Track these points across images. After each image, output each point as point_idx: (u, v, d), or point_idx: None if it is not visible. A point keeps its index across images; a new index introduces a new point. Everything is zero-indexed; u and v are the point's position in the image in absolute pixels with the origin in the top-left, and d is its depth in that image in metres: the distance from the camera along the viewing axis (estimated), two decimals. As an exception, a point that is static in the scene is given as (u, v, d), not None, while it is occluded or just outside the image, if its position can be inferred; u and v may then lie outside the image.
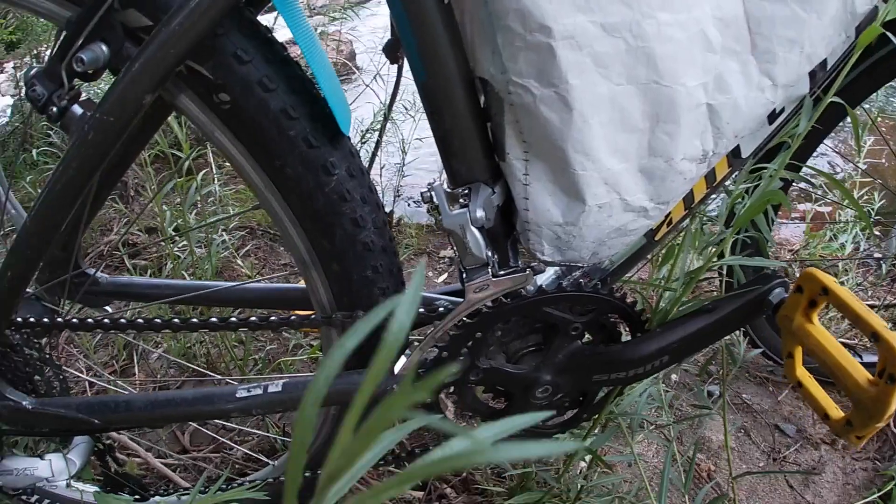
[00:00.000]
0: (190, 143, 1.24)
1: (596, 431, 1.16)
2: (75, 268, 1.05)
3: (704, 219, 1.02)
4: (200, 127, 0.81)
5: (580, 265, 0.88)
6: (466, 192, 0.82)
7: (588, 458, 1.34)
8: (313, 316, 0.86)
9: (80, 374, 1.35)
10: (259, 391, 0.89)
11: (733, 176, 0.97)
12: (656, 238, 0.95)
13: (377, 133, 1.77)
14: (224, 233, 1.62)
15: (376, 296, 0.88)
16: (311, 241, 0.84)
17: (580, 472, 1.28)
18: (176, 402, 0.90)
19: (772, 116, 0.86)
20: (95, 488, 1.05)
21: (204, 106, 0.79)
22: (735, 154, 0.92)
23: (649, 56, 0.72)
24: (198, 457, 1.29)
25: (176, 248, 1.60)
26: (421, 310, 0.86)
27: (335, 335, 0.94)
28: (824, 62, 0.82)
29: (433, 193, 0.81)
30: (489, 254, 0.82)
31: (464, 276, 0.83)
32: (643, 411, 1.15)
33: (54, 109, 0.77)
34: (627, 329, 0.93)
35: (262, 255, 1.84)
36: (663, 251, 1.05)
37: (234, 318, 0.86)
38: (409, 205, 2.19)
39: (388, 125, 1.77)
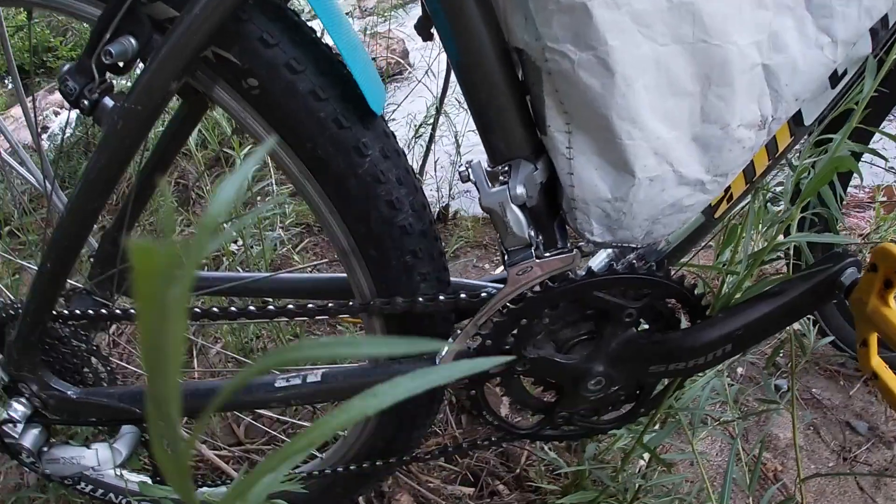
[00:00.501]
0: (240, 140, 1.22)
1: (655, 427, 1.07)
2: (124, 262, 1.03)
3: (768, 195, 0.92)
4: (234, 116, 0.78)
5: (633, 246, 0.80)
6: (507, 169, 0.75)
7: (647, 456, 1.25)
8: (351, 303, 0.81)
9: (138, 370, 1.34)
10: (298, 381, 0.84)
11: (797, 147, 0.87)
12: (716, 216, 0.85)
13: (430, 127, 1.72)
14: (280, 229, 1.59)
15: (417, 282, 0.82)
16: (348, 226, 0.79)
17: (638, 471, 1.19)
18: (215, 391, 0.87)
19: (834, 79, 0.76)
20: (142, 477, 1.03)
21: (235, 93, 0.75)
22: (797, 122, 0.82)
23: (695, 14, 0.64)
24: (250, 449, 1.26)
25: (234, 246, 1.59)
26: (462, 296, 0.79)
27: (377, 326, 0.89)
28: (885, 19, 0.72)
29: (471, 171, 0.75)
30: (532, 234, 0.74)
31: (506, 258, 0.76)
32: (706, 406, 1.05)
33: (86, 102, 0.75)
34: (686, 316, 0.84)
35: (319, 252, 1.82)
36: (724, 233, 0.96)
37: (271, 307, 0.82)
38: (467, 197, 2.09)
39: (442, 119, 1.71)
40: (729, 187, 0.83)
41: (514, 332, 0.79)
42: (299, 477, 0.92)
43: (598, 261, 0.94)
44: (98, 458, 0.98)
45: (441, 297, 0.79)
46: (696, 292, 0.81)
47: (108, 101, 0.76)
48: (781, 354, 1.43)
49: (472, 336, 0.80)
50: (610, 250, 0.92)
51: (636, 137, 0.69)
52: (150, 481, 1.02)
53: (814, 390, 1.43)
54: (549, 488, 1.16)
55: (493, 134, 0.75)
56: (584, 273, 0.76)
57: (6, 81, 2.54)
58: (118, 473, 0.97)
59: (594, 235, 0.78)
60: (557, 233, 0.80)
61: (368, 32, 2.06)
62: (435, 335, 0.86)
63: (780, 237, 0.86)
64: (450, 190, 1.93)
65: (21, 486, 1.27)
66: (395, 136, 0.80)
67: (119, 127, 0.72)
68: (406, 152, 1.81)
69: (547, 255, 0.75)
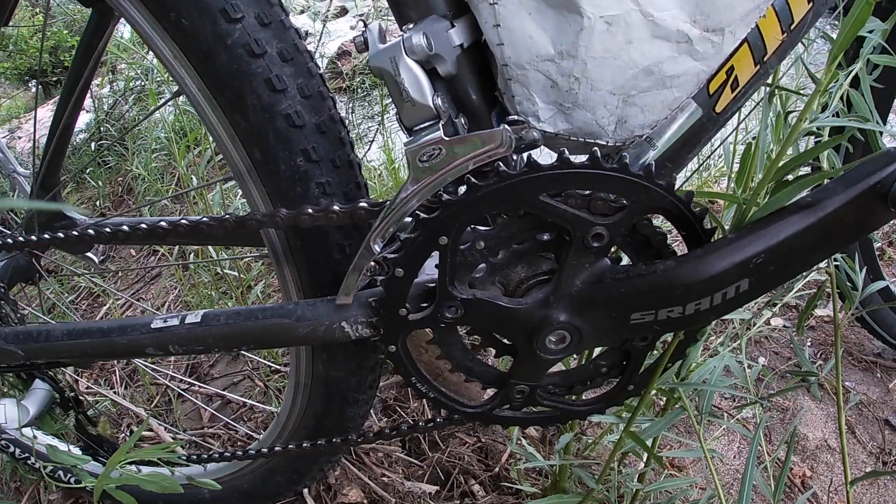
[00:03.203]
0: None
1: (653, 416, 0.70)
2: (59, 213, 0.77)
3: (789, 102, 0.57)
4: (115, 5, 0.51)
5: (603, 143, 0.46)
6: (411, 27, 0.44)
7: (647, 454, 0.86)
8: (226, 215, 0.50)
9: (48, 320, 1.05)
10: (176, 322, 0.54)
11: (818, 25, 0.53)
12: (717, 110, 0.51)
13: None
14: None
15: (315, 195, 0.51)
16: (228, 120, 0.50)
17: (639, 474, 0.81)
18: (91, 331, 0.58)
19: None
20: (52, 440, 0.74)
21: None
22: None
23: None
24: (206, 433, 0.95)
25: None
26: (362, 205, 0.47)
27: (288, 274, 0.57)
28: None
29: (366, 31, 0.44)
30: (441, 104, 0.42)
31: (406, 142, 0.44)
32: (719, 398, 0.68)
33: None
34: (683, 241, 0.49)
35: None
36: (737, 158, 0.61)
37: (144, 225, 0.53)
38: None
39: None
40: (732, 67, 0.49)
41: (434, 256, 0.46)
42: (163, 446, 0.60)
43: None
44: (5, 414, 0.70)
45: (335, 208, 0.47)
46: (693, 206, 0.47)
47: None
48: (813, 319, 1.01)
49: (377, 260, 0.47)
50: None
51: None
52: (61, 445, 0.73)
53: (847, 384, 1.00)
54: (530, 490, 0.79)
55: (399, -15, 0.45)
56: (523, 166, 0.43)
57: (29, 84, 2.42)
58: (24, 433, 0.69)
59: (542, 121, 0.45)
60: (496, 126, 0.48)
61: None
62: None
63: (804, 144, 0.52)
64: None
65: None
66: (283, 8, 0.50)
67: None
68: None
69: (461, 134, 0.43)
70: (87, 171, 1.54)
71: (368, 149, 1.38)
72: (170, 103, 1.32)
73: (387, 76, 0.42)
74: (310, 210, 0.47)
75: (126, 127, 1.53)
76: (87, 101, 1.94)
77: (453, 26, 0.44)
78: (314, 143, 0.49)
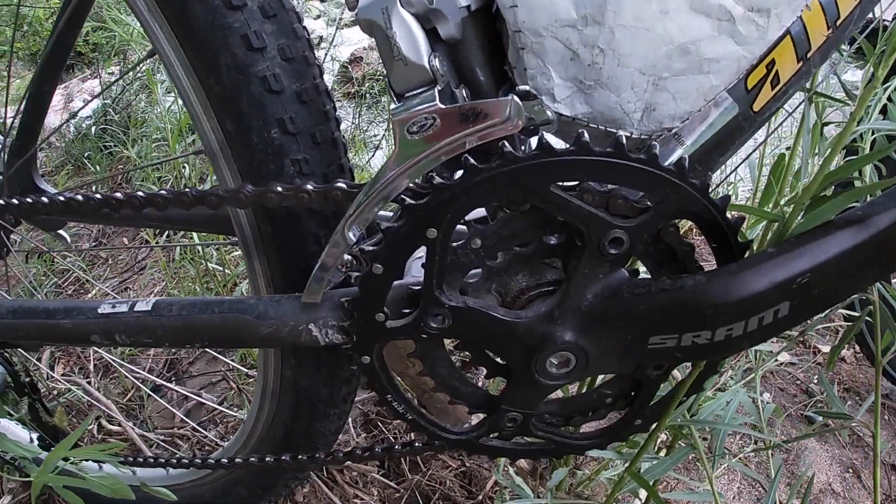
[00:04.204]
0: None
1: (658, 454, 0.60)
2: (31, 185, 0.69)
3: (824, 108, 0.48)
4: None
5: (627, 132, 0.37)
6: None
7: (643, 493, 0.75)
8: (187, 189, 0.41)
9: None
10: (124, 308, 0.44)
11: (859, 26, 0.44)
12: (755, 108, 0.41)
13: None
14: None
15: (289, 172, 0.42)
16: (202, 84, 0.41)
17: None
18: (37, 311, 0.49)
19: None
20: (11, 425, 0.64)
21: None
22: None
23: None
24: (175, 434, 0.85)
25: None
26: (340, 185, 0.38)
27: (258, 267, 0.48)
28: None
29: (361, -14, 0.36)
30: (437, 66, 0.33)
31: (393, 109, 0.35)
32: (728, 434, 0.57)
33: None
34: (714, 253, 0.40)
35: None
36: (767, 170, 0.52)
37: (99, 196, 0.44)
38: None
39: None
40: (773, 61, 0.40)
41: (419, 250, 0.37)
42: (106, 448, 0.51)
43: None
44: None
45: (308, 188, 0.38)
46: (728, 213, 0.37)
47: None
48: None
49: (353, 253, 0.38)
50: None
51: None
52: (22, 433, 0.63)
53: (853, 425, 0.89)
54: (516, 524, 0.68)
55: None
56: (533, 148, 0.34)
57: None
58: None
59: (557, 100, 0.36)
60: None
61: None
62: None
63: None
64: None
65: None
66: (271, -41, 0.42)
67: None
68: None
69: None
70: (86, 155, 1.46)
71: (373, 154, 1.30)
72: (172, 93, 1.25)
73: (376, 30, 0.33)
74: (278, 188, 0.38)
75: (130, 115, 1.46)
76: (96, 88, 1.89)
77: (460, -18, 0.35)
78: (292, 113, 0.40)
